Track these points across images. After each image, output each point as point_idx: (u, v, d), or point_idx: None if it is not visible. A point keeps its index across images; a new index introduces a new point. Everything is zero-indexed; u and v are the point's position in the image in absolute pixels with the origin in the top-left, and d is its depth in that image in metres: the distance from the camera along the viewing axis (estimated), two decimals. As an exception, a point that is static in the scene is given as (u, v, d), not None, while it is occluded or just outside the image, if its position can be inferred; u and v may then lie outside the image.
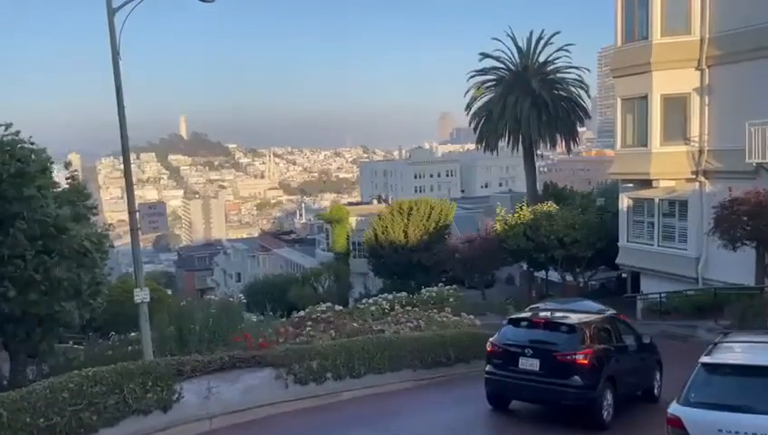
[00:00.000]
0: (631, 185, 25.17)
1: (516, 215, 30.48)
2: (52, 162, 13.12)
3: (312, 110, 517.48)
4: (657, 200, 24.21)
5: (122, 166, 13.27)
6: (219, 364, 10.23)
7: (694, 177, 22.78)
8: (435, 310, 21.07)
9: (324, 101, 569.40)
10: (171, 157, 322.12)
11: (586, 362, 9.84)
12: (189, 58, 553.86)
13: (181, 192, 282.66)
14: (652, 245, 24.63)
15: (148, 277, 51.55)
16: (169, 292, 44.03)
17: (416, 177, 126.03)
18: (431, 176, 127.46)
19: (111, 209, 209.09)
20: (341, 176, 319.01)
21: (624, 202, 25.72)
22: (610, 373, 10.27)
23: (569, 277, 31.04)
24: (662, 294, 22.91)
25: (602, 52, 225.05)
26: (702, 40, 22.15)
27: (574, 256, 28.38)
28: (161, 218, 13.34)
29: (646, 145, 23.59)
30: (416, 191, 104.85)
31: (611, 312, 20.47)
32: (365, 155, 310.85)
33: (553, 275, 33.66)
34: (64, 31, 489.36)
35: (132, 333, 26.70)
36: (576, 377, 9.84)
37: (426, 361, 14.26)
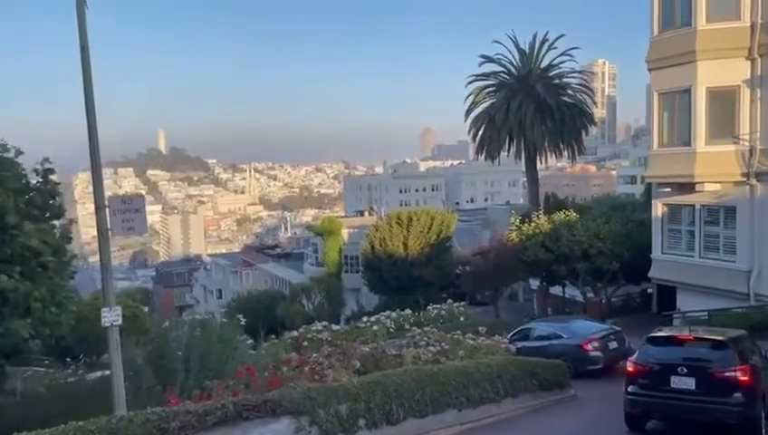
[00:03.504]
0: (668, 189, 22.58)
1: (533, 224, 27.76)
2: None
3: (293, 125, 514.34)
4: (698, 206, 21.66)
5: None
6: (220, 416, 7.22)
7: (744, 179, 20.21)
8: (458, 331, 18.17)
9: (305, 117, 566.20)
10: (150, 172, 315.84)
11: (747, 378, 9.59)
12: (168, 73, 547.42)
13: (159, 207, 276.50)
14: (692, 256, 22.02)
15: (123, 294, 47.85)
16: (146, 309, 40.79)
17: (401, 191, 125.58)
18: (416, 190, 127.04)
19: (88, 225, 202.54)
20: (323, 191, 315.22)
21: (658, 209, 23.14)
22: (763, 390, 9.99)
23: (589, 293, 28.30)
24: (709, 312, 20.25)
25: (585, 67, 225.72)
26: (753, 26, 19.74)
27: (599, 268, 25.72)
28: (138, 217, 10.20)
29: (689, 144, 21.01)
30: (401, 205, 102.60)
31: (613, 327, 18.31)
32: (346, 170, 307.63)
33: (569, 292, 30.93)
34: (36, 43, 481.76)
35: (105, 355, 23.64)
36: (737, 394, 9.54)
37: (472, 398, 11.34)
